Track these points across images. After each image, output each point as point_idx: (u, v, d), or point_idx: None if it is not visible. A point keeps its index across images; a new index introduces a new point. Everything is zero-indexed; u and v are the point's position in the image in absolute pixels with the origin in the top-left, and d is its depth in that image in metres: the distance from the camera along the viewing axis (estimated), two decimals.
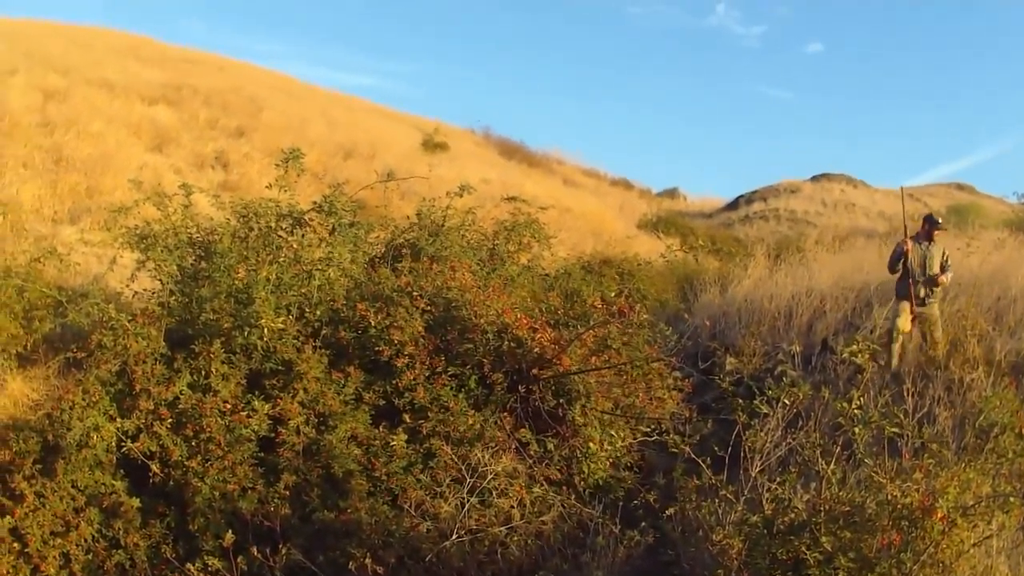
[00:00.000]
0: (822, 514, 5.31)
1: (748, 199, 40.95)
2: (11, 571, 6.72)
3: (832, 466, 5.56)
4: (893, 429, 5.71)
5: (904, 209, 12.08)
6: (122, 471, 7.24)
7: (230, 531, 6.22)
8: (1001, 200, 34.84)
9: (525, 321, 8.08)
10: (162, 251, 8.55)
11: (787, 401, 6.26)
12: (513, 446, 7.40)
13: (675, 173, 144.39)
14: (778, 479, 5.85)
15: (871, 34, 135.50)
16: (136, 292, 8.93)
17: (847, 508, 5.32)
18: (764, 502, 5.77)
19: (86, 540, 6.89)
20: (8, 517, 6.75)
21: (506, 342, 7.98)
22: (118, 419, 7.21)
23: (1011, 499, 5.23)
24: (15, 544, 6.74)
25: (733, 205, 41.32)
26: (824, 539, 5.13)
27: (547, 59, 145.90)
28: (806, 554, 5.12)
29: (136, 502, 7.02)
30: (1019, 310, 10.77)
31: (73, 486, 6.99)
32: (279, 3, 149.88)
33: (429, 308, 8.21)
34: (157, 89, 25.94)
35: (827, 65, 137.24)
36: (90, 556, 6.89)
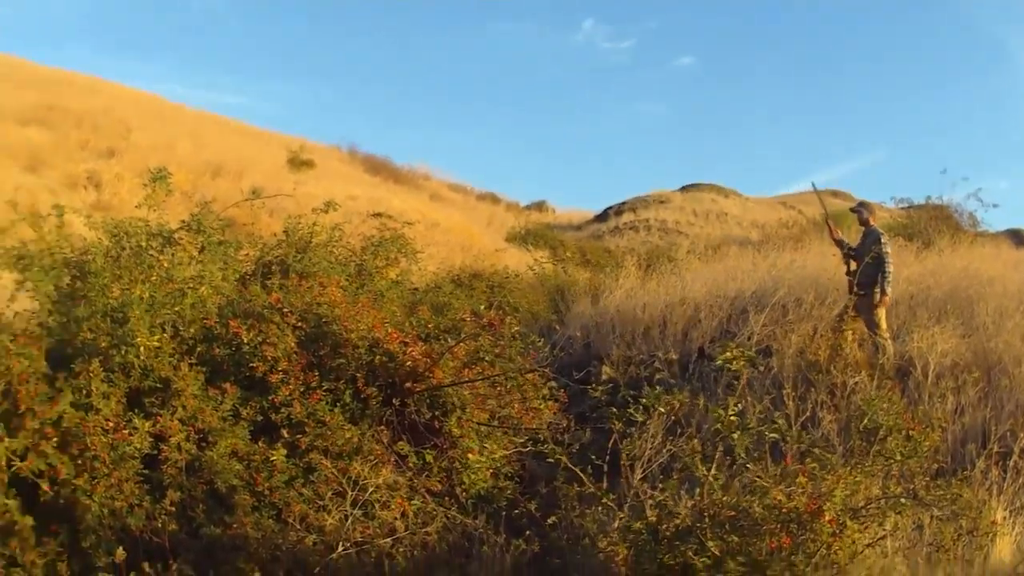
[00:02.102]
0: (707, 519, 5.31)
1: (617, 211, 41.44)
2: None
3: (713, 471, 5.58)
4: (772, 435, 5.81)
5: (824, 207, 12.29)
6: (14, 490, 6.97)
7: (121, 548, 6.16)
8: (880, 206, 35.72)
9: (395, 335, 8.09)
10: (38, 271, 8.30)
11: (663, 409, 6.27)
12: (392, 459, 7.41)
13: (543, 187, 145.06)
14: (660, 486, 5.88)
15: (744, 45, 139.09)
16: (17, 312, 8.60)
17: (732, 513, 5.32)
18: (647, 509, 5.81)
19: None
20: None
21: (377, 356, 7.99)
22: (6, 438, 6.97)
23: (902, 500, 5.41)
24: None
25: (602, 217, 41.79)
26: (711, 544, 5.15)
27: (416, 78, 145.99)
28: (694, 559, 5.14)
29: (30, 520, 6.76)
30: (901, 313, 10.99)
31: None
32: (158, 27, 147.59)
33: (300, 324, 8.18)
34: (30, 110, 25.64)
35: (699, 77, 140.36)
36: None
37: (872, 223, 10.78)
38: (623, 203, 42.30)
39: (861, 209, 10.96)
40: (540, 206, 47.56)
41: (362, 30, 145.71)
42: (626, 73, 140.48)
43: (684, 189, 43.52)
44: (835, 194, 41.03)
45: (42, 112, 25.79)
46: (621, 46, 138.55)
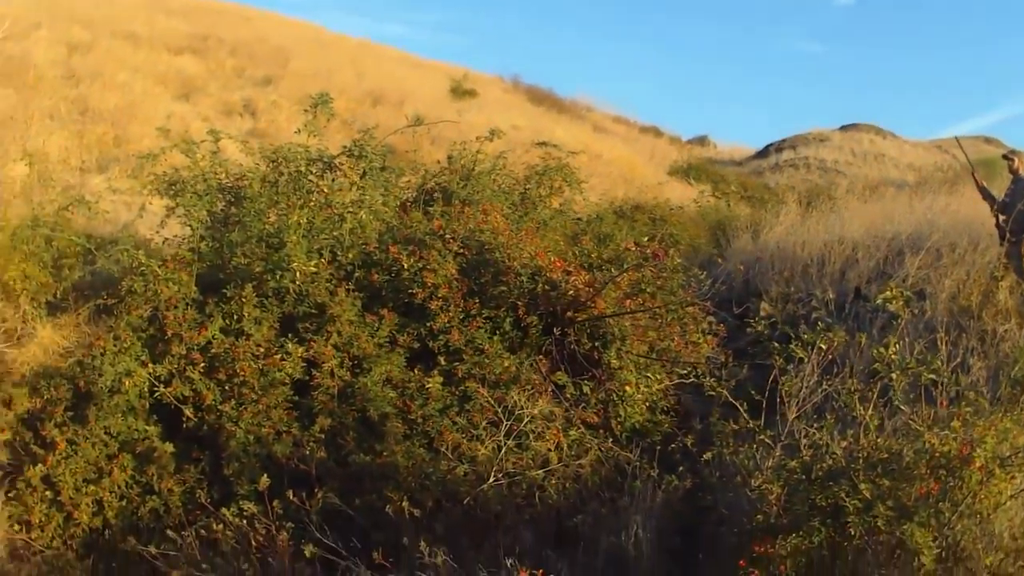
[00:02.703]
0: (860, 461, 5.25)
1: (778, 147, 40.76)
2: (44, 519, 6.76)
3: (870, 412, 5.51)
4: (930, 376, 5.68)
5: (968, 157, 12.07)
6: (155, 416, 7.22)
7: (265, 475, 6.18)
8: None
9: (559, 264, 8.05)
10: (191, 197, 8.44)
11: (823, 346, 6.18)
12: (549, 389, 7.37)
13: (705, 120, 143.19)
14: (816, 425, 5.80)
15: None
16: (166, 238, 8.85)
17: (885, 455, 5.26)
18: (802, 448, 5.77)
19: (119, 487, 6.90)
20: (40, 465, 6.78)
21: (540, 285, 7.94)
22: (150, 364, 7.18)
23: None
24: (47, 492, 6.78)
25: (763, 153, 41.20)
26: (863, 486, 5.06)
27: (576, 5, 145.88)
28: (845, 501, 5.06)
29: (170, 447, 6.98)
30: None
31: (106, 432, 6.98)
32: None
33: (462, 251, 8.15)
34: (183, 39, 25.77)
35: (858, 17, 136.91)
36: (123, 502, 6.92)
37: (1021, 172, 10.59)
38: (783, 140, 41.69)
39: (1012, 157, 10.80)
40: (702, 141, 46.80)
41: None
42: (790, 9, 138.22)
43: (843, 129, 42.60)
44: (987, 141, 39.66)
45: (195, 41, 25.97)
46: None
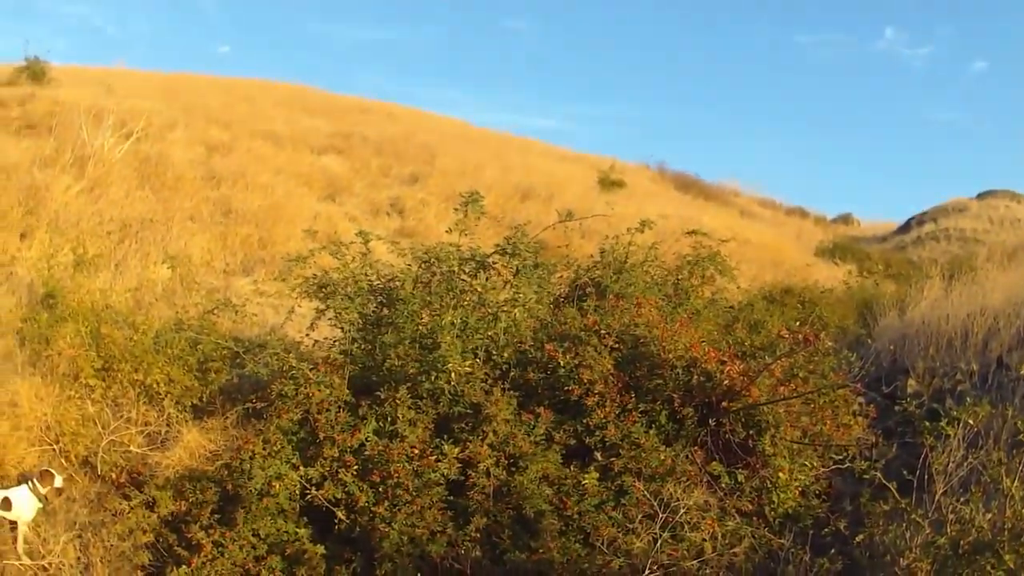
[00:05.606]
0: (1005, 532, 5.20)
1: (919, 220, 40.01)
2: None
3: (1015, 483, 5.43)
4: None
5: None
6: (305, 518, 7.18)
7: (419, 575, 6.25)
8: None
9: (713, 354, 7.94)
10: (342, 299, 8.56)
11: (970, 421, 6.11)
12: (704, 479, 7.30)
13: (847, 198, 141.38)
14: (962, 499, 5.76)
15: None
16: (316, 341, 8.93)
17: None
18: (948, 524, 5.70)
19: None
20: (184, 567, 6.71)
21: (695, 376, 7.86)
22: (301, 467, 7.16)
23: None
24: None
25: (905, 228, 40.43)
26: (1008, 557, 5.03)
27: (717, 92, 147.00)
28: (990, 573, 5.02)
29: (321, 549, 6.91)
30: None
31: (254, 534, 6.91)
32: (449, 52, 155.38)
33: (617, 346, 8.10)
34: (325, 139, 26.24)
35: (992, 82, 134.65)
36: None
37: None
38: (924, 213, 40.96)
39: None
40: (846, 219, 46.25)
41: (662, 47, 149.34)
42: (923, 79, 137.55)
43: (980, 196, 41.85)
44: None
45: (339, 140, 26.40)
46: (919, 52, 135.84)
